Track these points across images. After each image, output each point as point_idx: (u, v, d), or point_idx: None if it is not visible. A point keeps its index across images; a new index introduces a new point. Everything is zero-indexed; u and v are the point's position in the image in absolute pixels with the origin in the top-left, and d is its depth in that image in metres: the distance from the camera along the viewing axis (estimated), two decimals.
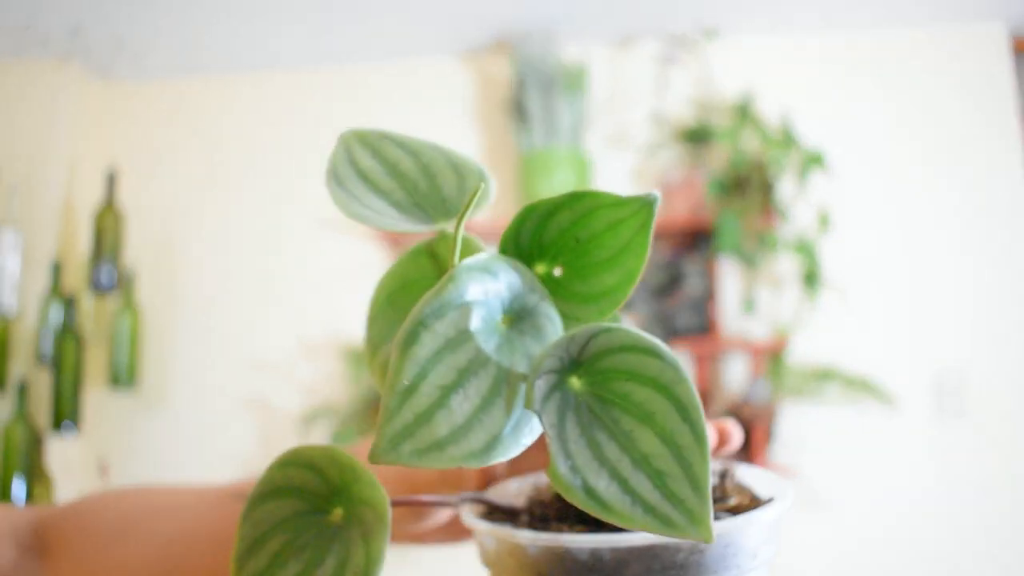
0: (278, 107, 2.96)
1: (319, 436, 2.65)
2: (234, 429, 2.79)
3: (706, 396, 2.61)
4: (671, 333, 2.51)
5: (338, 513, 0.27)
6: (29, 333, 2.66)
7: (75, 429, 2.60)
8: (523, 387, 0.25)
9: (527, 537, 0.27)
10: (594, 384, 0.25)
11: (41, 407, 2.63)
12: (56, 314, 2.59)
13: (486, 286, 0.25)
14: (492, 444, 0.24)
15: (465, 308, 0.24)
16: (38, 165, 2.76)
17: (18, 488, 2.45)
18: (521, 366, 0.25)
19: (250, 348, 2.83)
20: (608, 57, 2.81)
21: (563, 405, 0.24)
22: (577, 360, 0.25)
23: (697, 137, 2.63)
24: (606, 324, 0.25)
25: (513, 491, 0.32)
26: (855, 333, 2.57)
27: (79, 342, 2.60)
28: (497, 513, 0.30)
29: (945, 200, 2.61)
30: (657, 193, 0.27)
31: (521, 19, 2.63)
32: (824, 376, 2.48)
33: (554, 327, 0.26)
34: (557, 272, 0.28)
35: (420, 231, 0.29)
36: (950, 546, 2.44)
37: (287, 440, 2.74)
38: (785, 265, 2.56)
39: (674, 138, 2.68)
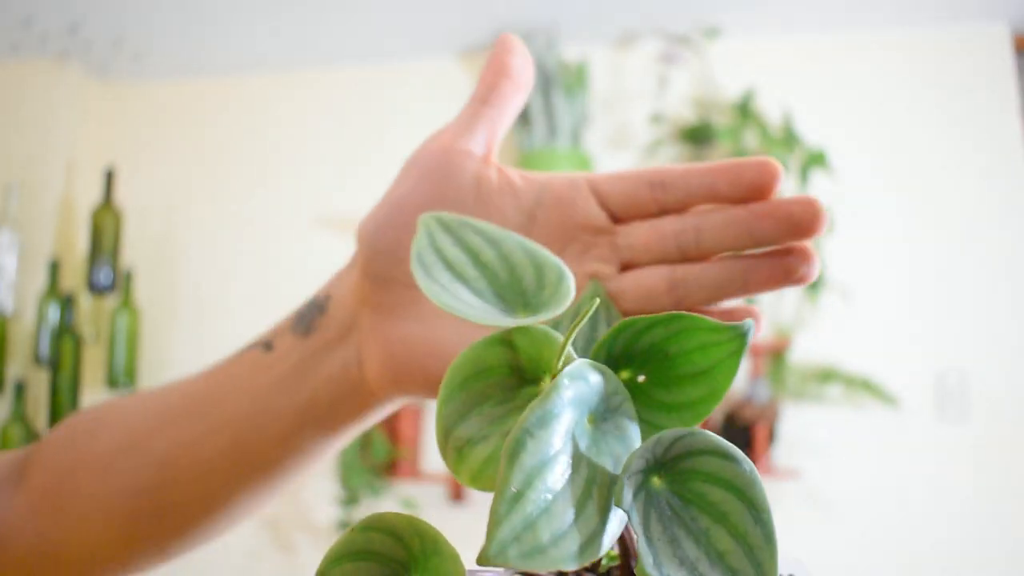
0: (277, 107, 2.96)
1: None
2: None
3: None
4: None
5: None
6: (27, 333, 2.66)
7: None
8: (610, 487, 0.27)
9: None
10: (674, 483, 0.27)
11: (39, 407, 2.64)
12: (54, 314, 2.60)
13: (580, 391, 0.27)
14: (587, 546, 0.25)
15: (565, 416, 0.26)
16: (36, 164, 2.76)
17: None
18: (607, 466, 0.27)
19: None
20: (608, 56, 2.82)
21: (648, 503, 0.26)
22: (660, 461, 0.27)
23: (698, 136, 2.64)
24: (690, 428, 0.27)
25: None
26: (856, 333, 2.58)
27: (77, 342, 2.61)
28: None
29: (947, 200, 2.62)
30: (752, 323, 0.28)
31: (522, 18, 2.63)
32: (826, 377, 2.49)
33: (634, 428, 0.28)
34: (640, 379, 0.29)
35: (504, 324, 0.30)
36: (951, 547, 2.46)
37: None
38: None
39: (675, 137, 2.68)
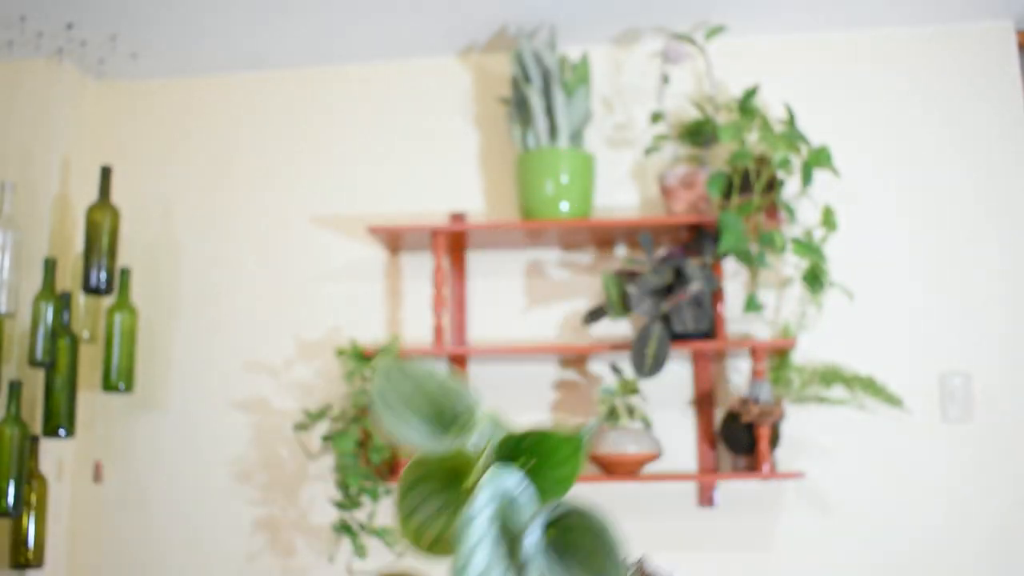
0: (275, 106, 3.00)
1: (315, 437, 2.67)
2: (230, 431, 2.83)
3: (710, 397, 2.65)
4: (673, 334, 2.50)
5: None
6: (22, 333, 2.70)
7: (69, 431, 2.63)
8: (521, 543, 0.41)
9: None
10: (558, 533, 0.41)
11: (34, 408, 2.68)
12: (49, 313, 2.62)
13: (497, 487, 0.42)
14: None
15: (488, 506, 0.41)
16: (31, 163, 2.81)
17: (11, 491, 2.48)
18: (518, 526, 0.41)
19: (246, 349, 2.87)
20: (610, 54, 2.85)
21: (543, 549, 0.41)
22: (549, 520, 0.42)
23: (700, 134, 2.66)
24: (567, 500, 0.43)
25: None
26: (860, 334, 2.60)
27: (73, 342, 2.64)
28: None
29: (952, 199, 2.65)
30: (589, 428, 0.55)
31: (522, 16, 2.67)
32: (829, 378, 2.51)
33: (530, 503, 0.43)
34: (529, 464, 0.45)
35: (442, 448, 0.48)
36: (954, 548, 2.48)
37: (283, 441, 2.78)
38: (790, 265, 2.58)
39: (676, 136, 2.70)
